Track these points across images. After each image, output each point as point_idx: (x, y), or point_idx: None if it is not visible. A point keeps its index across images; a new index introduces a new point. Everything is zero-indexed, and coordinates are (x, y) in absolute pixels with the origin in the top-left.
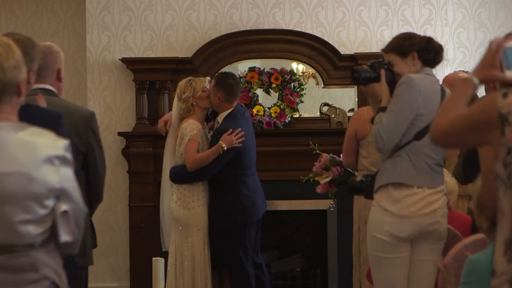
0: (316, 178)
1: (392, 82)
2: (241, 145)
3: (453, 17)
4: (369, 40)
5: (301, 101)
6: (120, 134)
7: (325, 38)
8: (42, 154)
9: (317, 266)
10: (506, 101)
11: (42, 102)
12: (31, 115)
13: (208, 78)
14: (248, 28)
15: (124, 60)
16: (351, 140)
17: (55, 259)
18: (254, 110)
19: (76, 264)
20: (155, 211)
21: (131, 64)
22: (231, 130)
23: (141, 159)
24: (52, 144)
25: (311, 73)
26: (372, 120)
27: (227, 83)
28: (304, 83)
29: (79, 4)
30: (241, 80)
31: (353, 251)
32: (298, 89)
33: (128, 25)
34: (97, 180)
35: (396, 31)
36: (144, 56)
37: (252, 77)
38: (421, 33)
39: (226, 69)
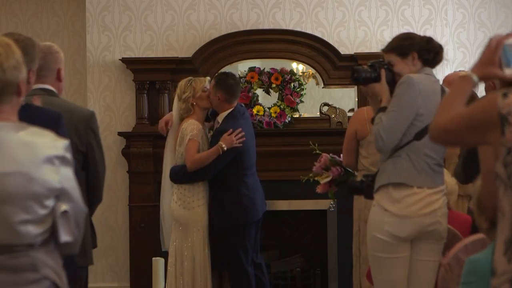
0: (316, 178)
1: (392, 82)
2: (241, 145)
3: (453, 17)
4: (369, 40)
5: (301, 101)
6: (120, 134)
7: (325, 38)
8: (42, 154)
9: (317, 266)
10: (506, 101)
11: (37, 103)
12: (31, 115)
13: (208, 78)
14: (248, 28)
15: (124, 60)
16: (351, 140)
17: (55, 259)
18: (254, 110)
19: (76, 264)
20: (155, 211)
21: (131, 64)
22: (231, 130)
23: (141, 159)
24: (52, 144)
25: (311, 73)
26: (372, 120)
27: (227, 83)
28: (304, 83)
29: (79, 4)
30: (241, 80)
31: (353, 251)
32: (298, 89)
33: (128, 25)
34: (97, 180)
35: (396, 31)
36: (144, 56)
37: (252, 77)
38: (421, 33)
39: (226, 69)
